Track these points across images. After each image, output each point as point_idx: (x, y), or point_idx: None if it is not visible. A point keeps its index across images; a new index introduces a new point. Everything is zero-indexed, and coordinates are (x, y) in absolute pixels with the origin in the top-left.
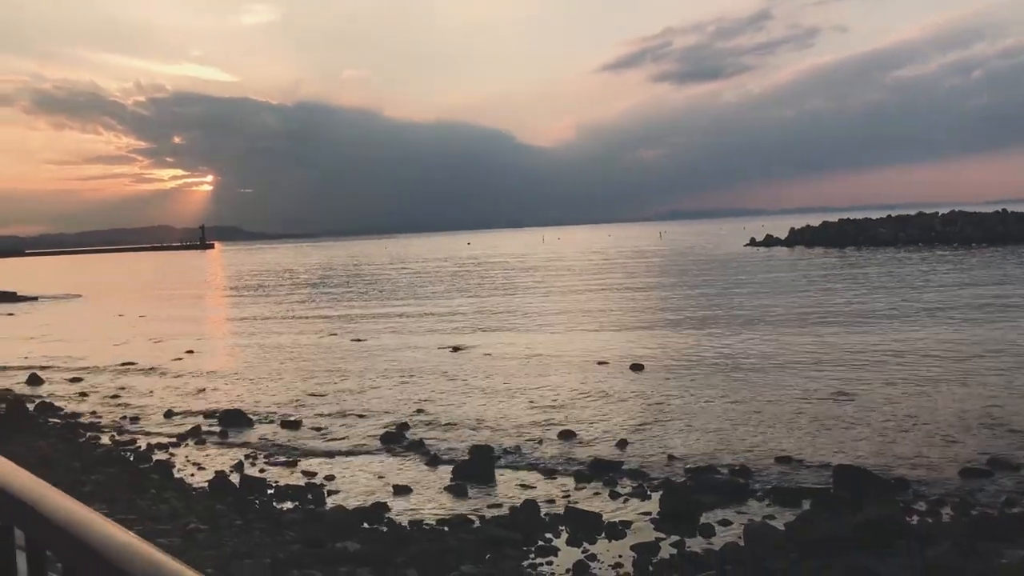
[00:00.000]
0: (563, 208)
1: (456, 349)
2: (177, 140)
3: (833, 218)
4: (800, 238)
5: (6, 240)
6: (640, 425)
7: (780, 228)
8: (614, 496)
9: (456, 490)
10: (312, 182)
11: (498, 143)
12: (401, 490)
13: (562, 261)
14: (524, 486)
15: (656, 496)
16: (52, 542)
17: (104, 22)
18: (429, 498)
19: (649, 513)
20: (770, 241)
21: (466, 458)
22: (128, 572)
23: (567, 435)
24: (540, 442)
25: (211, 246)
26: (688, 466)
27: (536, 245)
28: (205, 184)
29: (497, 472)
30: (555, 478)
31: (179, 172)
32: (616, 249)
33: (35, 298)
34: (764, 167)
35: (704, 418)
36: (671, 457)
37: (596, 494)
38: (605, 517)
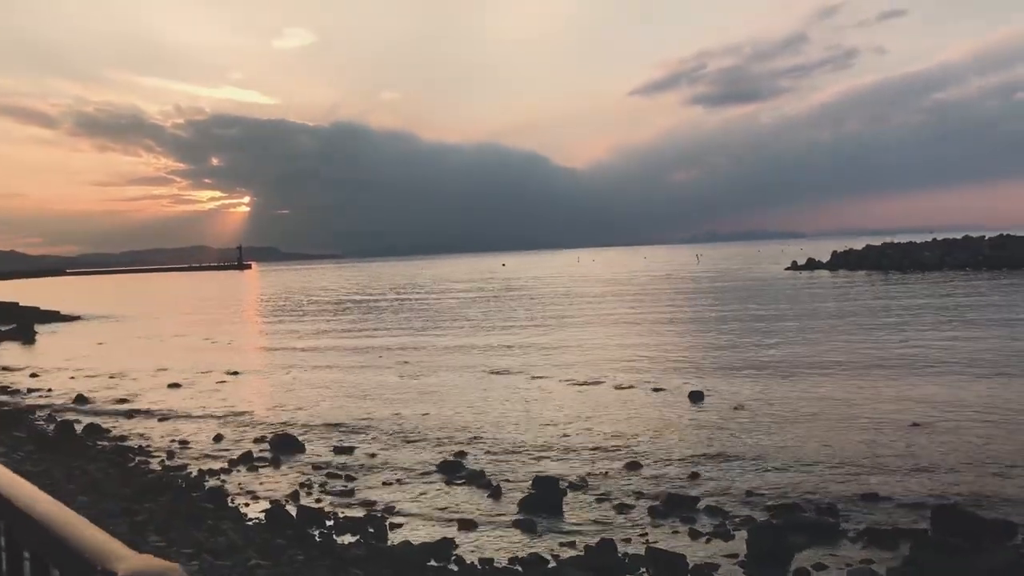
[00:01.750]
0: (597, 230)
1: (503, 374)
2: (215, 162)
3: (870, 241)
4: (843, 261)
5: (49, 259)
6: (709, 456)
7: (818, 251)
8: (695, 535)
9: (524, 525)
10: (348, 203)
11: (532, 165)
12: (467, 524)
13: (603, 285)
14: (596, 522)
15: (740, 536)
16: (30, 540)
17: (146, 46)
18: (497, 533)
19: (736, 555)
20: (812, 264)
21: (531, 491)
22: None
23: (633, 466)
24: (606, 474)
25: (248, 266)
26: (769, 503)
27: (572, 267)
28: (242, 205)
29: (565, 506)
30: (628, 513)
31: (217, 193)
32: (655, 272)
33: (78, 317)
34: (800, 190)
35: (775, 451)
36: (748, 492)
37: (675, 532)
38: (689, 559)
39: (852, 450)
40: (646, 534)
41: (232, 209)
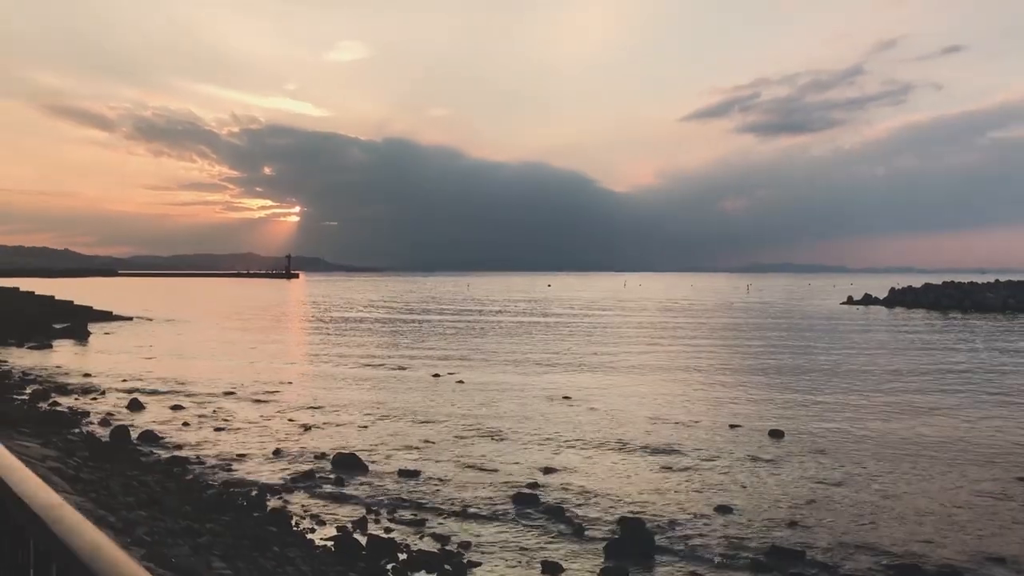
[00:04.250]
0: (641, 254)
1: (567, 403)
2: (267, 171)
3: (921, 279)
4: (900, 299)
5: (100, 259)
6: (804, 503)
7: (869, 287)
8: None
9: (615, 574)
10: (395, 217)
11: (579, 186)
12: (551, 568)
13: (661, 314)
14: (695, 575)
15: None
16: (57, 555)
17: (205, 54)
18: None
19: None
20: (868, 300)
21: (617, 534)
22: None
23: (723, 510)
24: (695, 517)
25: (296, 276)
26: (884, 562)
27: (620, 291)
28: (292, 215)
29: (656, 553)
30: (729, 566)
31: (267, 202)
32: (707, 301)
33: (130, 318)
34: (850, 224)
35: (874, 499)
36: (856, 547)
37: None
38: None
39: (954, 501)
40: None
41: (281, 218)
